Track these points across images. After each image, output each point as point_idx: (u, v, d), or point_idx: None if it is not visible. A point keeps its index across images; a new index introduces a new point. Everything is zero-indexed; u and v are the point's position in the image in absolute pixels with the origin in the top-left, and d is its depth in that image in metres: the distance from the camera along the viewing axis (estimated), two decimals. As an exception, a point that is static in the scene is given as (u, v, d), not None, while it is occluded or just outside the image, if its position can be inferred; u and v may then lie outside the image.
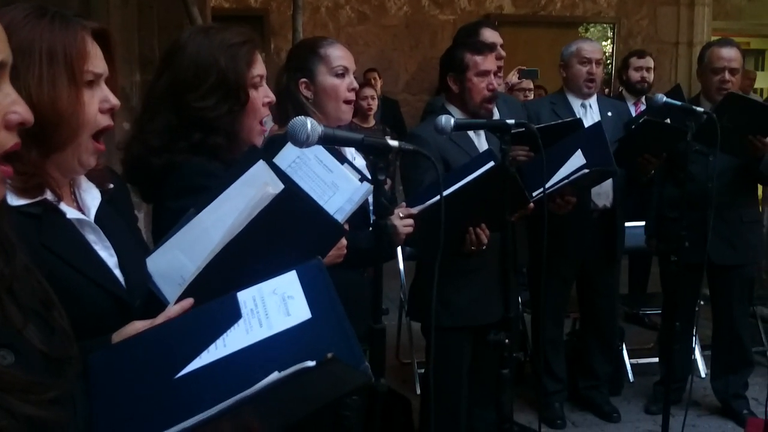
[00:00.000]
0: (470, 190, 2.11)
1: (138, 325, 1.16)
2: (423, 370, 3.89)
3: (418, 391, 3.86)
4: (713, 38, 6.17)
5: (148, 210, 2.01)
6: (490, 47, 2.80)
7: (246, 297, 1.13)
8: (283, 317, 1.09)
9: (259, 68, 1.69)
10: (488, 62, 2.71)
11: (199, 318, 1.14)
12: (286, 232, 1.32)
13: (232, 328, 1.08)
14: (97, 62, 1.22)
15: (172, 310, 1.20)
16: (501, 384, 2.12)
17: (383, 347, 1.71)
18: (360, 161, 2.05)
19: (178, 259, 1.30)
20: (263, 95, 1.70)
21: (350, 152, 2.13)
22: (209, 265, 1.26)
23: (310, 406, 1.09)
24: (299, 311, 1.09)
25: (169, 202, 1.59)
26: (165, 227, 1.50)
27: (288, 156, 1.80)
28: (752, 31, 8.80)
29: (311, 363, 0.89)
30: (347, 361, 1.00)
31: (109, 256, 1.29)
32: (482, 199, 2.15)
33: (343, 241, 1.68)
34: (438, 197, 1.93)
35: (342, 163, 1.80)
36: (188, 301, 1.20)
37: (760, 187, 3.90)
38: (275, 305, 1.11)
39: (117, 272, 1.29)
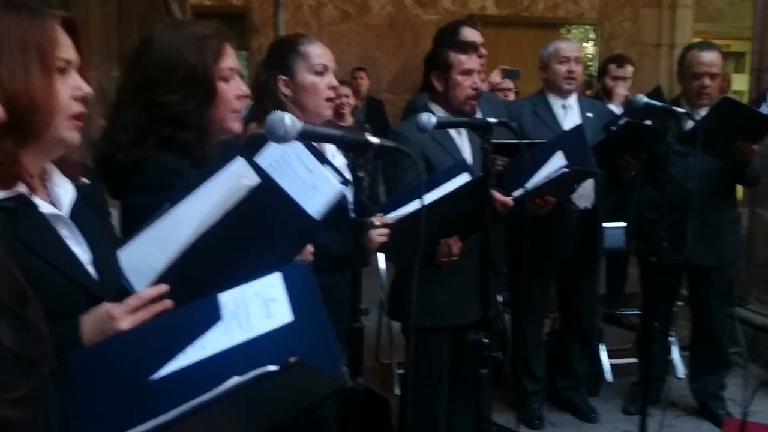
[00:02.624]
0: (445, 203, 2.09)
1: (107, 306, 1.17)
2: (402, 371, 3.88)
3: (397, 392, 3.85)
4: (695, 40, 6.22)
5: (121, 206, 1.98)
6: (474, 47, 2.82)
7: (228, 299, 1.12)
8: (264, 320, 1.08)
9: (230, 61, 1.68)
10: (472, 61, 2.73)
11: (179, 318, 1.13)
12: (262, 227, 1.31)
13: (211, 330, 1.07)
14: (67, 49, 1.23)
15: (147, 293, 1.19)
16: (480, 384, 2.12)
17: (361, 346, 1.70)
18: (340, 160, 2.03)
19: (151, 253, 1.28)
20: (235, 87, 1.68)
21: (330, 151, 2.12)
22: (182, 255, 1.24)
23: (284, 410, 1.07)
24: (281, 314, 1.08)
25: (132, 198, 1.58)
26: (129, 224, 1.48)
27: (269, 156, 1.78)
28: (733, 33, 8.88)
29: (273, 368, 0.87)
30: (325, 365, 0.99)
31: (82, 253, 1.29)
32: (455, 211, 2.14)
33: (310, 247, 1.67)
34: (412, 207, 1.93)
35: (323, 164, 1.79)
36: (162, 286, 1.19)
37: (739, 189, 3.94)
38: (256, 307, 1.10)
39: (90, 269, 1.28)
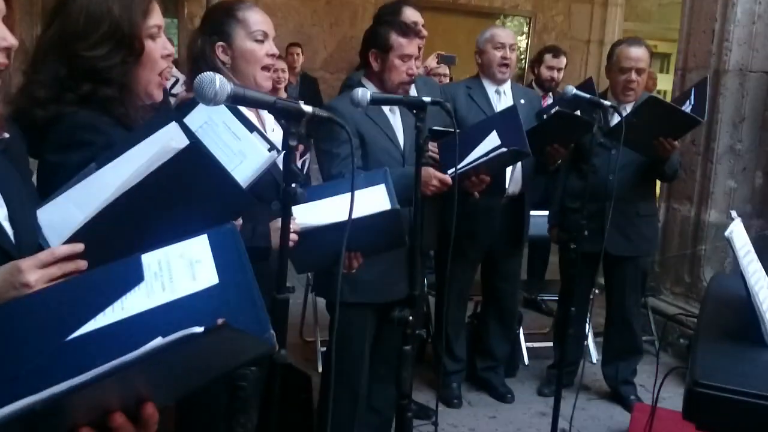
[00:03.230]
0: (365, 224, 1.99)
1: (18, 263, 1.11)
2: (326, 349, 3.88)
3: (320, 369, 3.85)
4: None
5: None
6: (416, 31, 2.81)
7: (151, 260, 1.07)
8: (189, 281, 1.04)
9: (156, 18, 1.62)
10: (412, 46, 2.72)
11: (98, 279, 1.07)
12: (189, 192, 1.27)
13: (132, 291, 1.03)
14: None
15: (60, 249, 1.14)
16: (403, 360, 2.13)
17: (286, 318, 1.69)
18: (279, 134, 1.98)
19: (71, 213, 1.23)
20: (161, 47, 1.63)
21: (270, 124, 2.07)
22: (100, 214, 1.20)
23: (207, 374, 1.04)
24: (206, 276, 1.05)
25: (50, 155, 1.50)
26: (45, 182, 1.42)
27: (195, 120, 1.73)
28: (660, 35, 9.19)
29: (198, 329, 0.84)
30: (252, 329, 0.96)
31: None
32: (370, 233, 2.10)
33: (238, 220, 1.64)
34: (330, 222, 1.88)
35: (251, 132, 1.75)
36: (77, 245, 1.14)
37: (658, 184, 4.09)
38: (181, 269, 1.06)
39: (6, 224, 1.22)
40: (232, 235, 1.11)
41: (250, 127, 1.75)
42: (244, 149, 1.71)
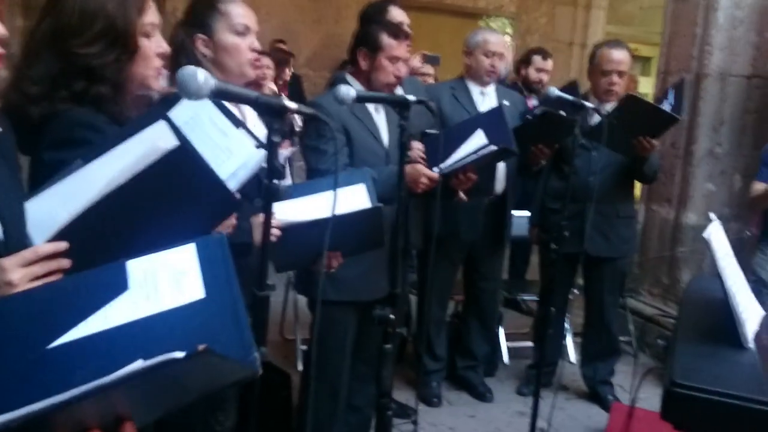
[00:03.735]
0: (345, 222, 1.96)
1: (0, 261, 1.10)
2: (306, 347, 3.87)
3: (300, 368, 3.84)
4: (605, 41, 6.42)
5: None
6: (406, 34, 2.82)
7: (136, 267, 1.05)
8: (174, 294, 1.02)
9: (152, 16, 1.60)
10: (401, 49, 2.74)
11: (82, 284, 1.05)
12: (175, 194, 1.25)
13: (116, 299, 1.01)
14: None
15: (43, 247, 1.12)
16: (383, 359, 2.13)
17: (266, 316, 1.68)
18: (261, 130, 1.98)
19: (55, 210, 1.21)
20: (156, 45, 1.61)
21: (251, 121, 2.06)
22: (86, 212, 1.18)
23: (187, 395, 1.02)
24: (192, 289, 1.03)
25: (45, 153, 1.48)
26: (40, 180, 1.39)
27: (181, 115, 1.71)
28: (642, 38, 9.25)
29: (180, 354, 0.83)
30: (235, 351, 0.94)
31: None
32: (350, 232, 2.10)
33: (232, 219, 1.63)
34: (315, 218, 1.88)
35: (238, 127, 1.73)
36: (61, 243, 1.13)
37: (637, 186, 4.12)
38: (167, 280, 1.04)
39: None
40: (221, 246, 1.09)
41: (236, 122, 1.73)
42: (231, 145, 1.69)
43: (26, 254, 1.13)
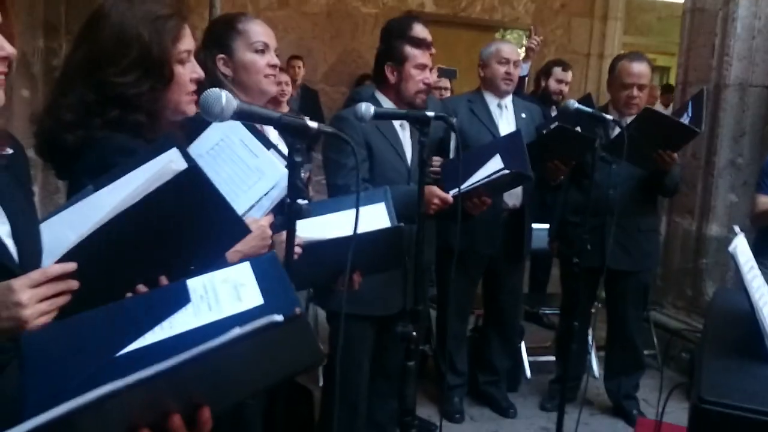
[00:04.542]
0: (366, 241, 1.95)
1: (10, 282, 1.11)
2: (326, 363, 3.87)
3: (321, 384, 3.83)
4: (622, 52, 6.42)
5: (42, 184, 1.90)
6: (428, 44, 2.88)
7: (196, 284, 1.10)
8: (234, 302, 1.06)
9: (187, 43, 1.61)
10: (425, 57, 2.82)
11: (145, 301, 1.09)
12: (185, 216, 1.25)
13: (179, 312, 1.04)
14: None
15: (52, 269, 1.14)
16: (406, 376, 2.13)
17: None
18: (283, 148, 1.99)
19: (64, 233, 1.22)
20: (190, 71, 1.61)
21: (273, 138, 2.08)
22: (93, 234, 1.19)
23: (261, 381, 1.01)
24: (251, 298, 1.07)
25: (84, 178, 1.46)
26: None
27: (211, 138, 1.72)
28: (659, 48, 9.22)
29: (279, 317, 0.84)
30: None
31: (0, 225, 1.22)
32: (370, 251, 2.10)
33: (268, 231, 1.63)
34: (336, 236, 1.88)
35: (268, 149, 1.74)
36: (70, 264, 1.14)
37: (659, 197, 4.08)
38: (227, 291, 1.08)
39: (8, 241, 1.21)
40: (273, 261, 1.14)
41: (267, 144, 1.74)
42: (262, 166, 1.69)
43: (34, 275, 1.13)
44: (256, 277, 1.10)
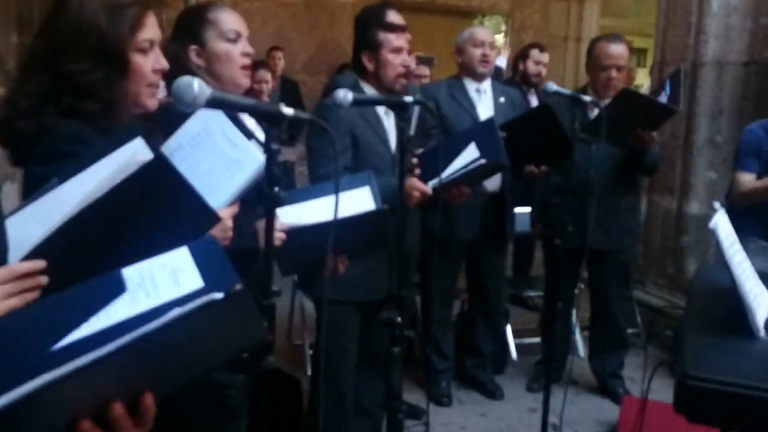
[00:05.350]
0: (351, 225, 1.97)
1: None
2: (313, 351, 3.87)
3: (309, 373, 3.83)
4: (600, 35, 6.44)
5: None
6: (402, 27, 2.84)
7: (131, 273, 1.06)
8: (173, 288, 1.03)
9: (149, 32, 1.58)
10: (400, 40, 2.77)
11: (79, 293, 1.05)
12: (153, 207, 1.24)
13: (116, 301, 1.01)
14: None
15: (19, 266, 1.12)
16: (391, 362, 2.13)
17: (273, 324, 1.67)
18: (260, 137, 1.97)
19: (32, 229, 1.20)
20: (153, 61, 1.59)
21: (251, 127, 2.06)
22: (60, 229, 1.17)
23: (203, 363, 1.00)
24: (190, 281, 1.04)
25: (35, 166, 1.47)
26: (30, 193, 1.39)
27: (193, 128, 1.70)
28: (636, 30, 9.25)
29: (219, 294, 0.83)
30: None
31: None
32: (355, 234, 2.10)
33: (229, 223, 1.61)
34: (320, 221, 1.87)
35: (249, 139, 1.72)
36: (38, 262, 1.13)
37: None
38: (164, 277, 1.05)
39: None
40: (212, 244, 1.10)
41: (248, 134, 1.72)
42: (241, 157, 1.68)
43: (2, 272, 1.11)
44: (195, 261, 1.07)
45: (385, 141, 2.76)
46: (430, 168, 2.58)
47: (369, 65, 2.76)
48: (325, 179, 2.54)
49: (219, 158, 1.66)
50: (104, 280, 1.05)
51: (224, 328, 0.92)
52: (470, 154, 2.76)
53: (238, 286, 0.86)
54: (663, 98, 3.38)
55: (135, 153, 1.22)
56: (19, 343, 0.98)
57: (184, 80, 1.26)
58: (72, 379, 0.79)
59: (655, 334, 4.54)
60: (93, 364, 0.80)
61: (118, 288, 1.03)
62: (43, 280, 1.15)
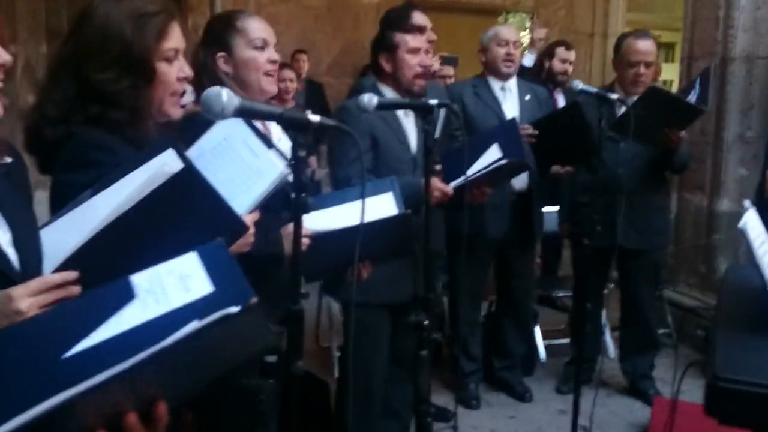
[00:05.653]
0: (375, 230, 1.97)
1: (9, 291, 1.11)
2: (340, 353, 3.88)
3: (336, 375, 3.84)
4: (627, 30, 6.37)
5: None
6: (419, 28, 2.84)
7: (140, 279, 1.07)
8: (182, 293, 1.04)
9: (174, 41, 1.59)
10: (417, 40, 2.77)
11: (88, 301, 1.08)
12: (182, 217, 1.26)
13: (125, 308, 1.03)
14: None
15: (51, 277, 1.14)
16: (419, 365, 2.13)
17: (301, 329, 1.68)
18: (286, 143, 1.98)
19: (64, 240, 1.22)
20: (178, 69, 1.61)
21: (276, 134, 2.07)
22: (92, 240, 1.19)
23: (215, 370, 1.03)
24: (200, 287, 1.05)
25: (60, 174, 1.50)
26: (57, 201, 1.42)
27: (213, 138, 1.72)
28: (664, 24, 9.14)
29: (235, 308, 0.85)
30: None
31: (1, 233, 1.22)
32: (379, 240, 2.10)
33: (251, 230, 1.63)
34: (345, 226, 1.88)
35: (270, 148, 1.74)
36: (70, 273, 1.15)
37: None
38: (173, 283, 1.06)
39: (10, 250, 1.21)
40: (221, 249, 1.11)
41: (268, 143, 1.74)
42: (262, 166, 1.69)
43: (33, 284, 1.14)
44: (204, 266, 1.07)
45: (404, 142, 2.76)
46: (453, 168, 2.58)
47: (386, 66, 2.76)
48: (346, 182, 2.55)
49: (240, 167, 1.67)
50: (113, 287, 1.07)
51: (237, 337, 0.93)
52: (493, 154, 2.75)
53: (254, 299, 0.86)
54: (692, 97, 3.34)
55: (164, 164, 1.23)
56: (31, 351, 1.00)
57: (213, 90, 1.27)
58: (88, 395, 0.81)
59: (687, 334, 4.48)
60: (109, 380, 0.82)
61: (127, 294, 1.05)
62: (76, 290, 1.17)
